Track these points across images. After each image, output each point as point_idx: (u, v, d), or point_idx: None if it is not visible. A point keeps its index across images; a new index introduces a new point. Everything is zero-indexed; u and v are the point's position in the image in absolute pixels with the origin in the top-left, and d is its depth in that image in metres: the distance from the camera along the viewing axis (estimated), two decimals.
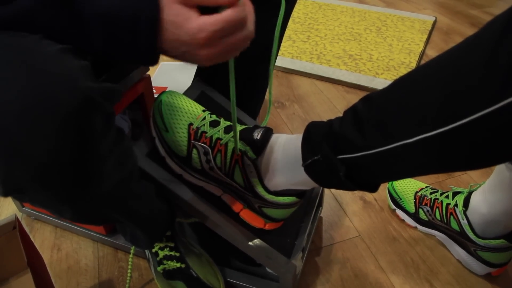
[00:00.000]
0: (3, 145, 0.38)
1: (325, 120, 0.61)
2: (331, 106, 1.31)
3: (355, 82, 1.42)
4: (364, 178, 0.58)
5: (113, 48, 0.46)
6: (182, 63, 1.35)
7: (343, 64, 1.53)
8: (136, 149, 0.71)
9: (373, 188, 0.60)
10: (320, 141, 0.58)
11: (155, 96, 1.18)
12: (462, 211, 0.84)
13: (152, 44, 0.45)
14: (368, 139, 0.52)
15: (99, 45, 0.46)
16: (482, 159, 0.48)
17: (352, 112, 0.55)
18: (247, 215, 0.72)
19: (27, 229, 0.73)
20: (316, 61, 1.55)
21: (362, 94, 1.39)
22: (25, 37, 0.43)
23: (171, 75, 1.28)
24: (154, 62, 0.48)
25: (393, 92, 0.51)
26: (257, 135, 0.66)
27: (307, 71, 1.49)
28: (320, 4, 2.13)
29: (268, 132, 0.67)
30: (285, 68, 1.52)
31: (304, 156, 0.60)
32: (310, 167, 0.59)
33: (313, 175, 0.60)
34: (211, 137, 0.68)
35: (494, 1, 2.33)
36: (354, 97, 1.36)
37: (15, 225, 0.74)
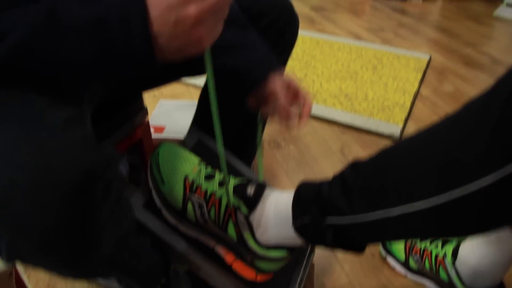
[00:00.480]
0: (8, 218, 0.40)
1: (316, 181, 0.63)
2: (327, 147, 1.33)
3: (350, 122, 1.45)
4: (352, 240, 0.60)
5: (107, 56, 0.46)
6: (180, 102, 1.37)
7: (339, 104, 1.57)
8: (134, 200, 0.74)
9: (360, 249, 0.62)
10: (309, 204, 0.60)
11: (153, 134, 1.20)
12: (451, 262, 0.85)
13: (146, 33, 0.46)
14: (354, 207, 0.54)
15: (93, 58, 0.46)
16: (465, 231, 0.50)
17: (340, 178, 0.57)
18: (239, 267, 0.73)
19: (21, 271, 0.75)
20: (313, 100, 1.59)
21: (357, 135, 1.41)
22: (30, 106, 0.44)
23: (169, 114, 1.31)
24: (151, 58, 0.48)
25: (379, 163, 0.54)
26: (250, 190, 0.69)
27: None
28: (318, 40, 2.18)
29: (260, 188, 0.69)
30: None
31: (294, 217, 0.62)
32: (299, 229, 0.62)
33: (303, 235, 0.62)
34: (206, 190, 0.70)
35: (487, 40, 2.39)
36: (349, 138, 1.39)
37: (11, 272, 0.75)
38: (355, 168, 0.56)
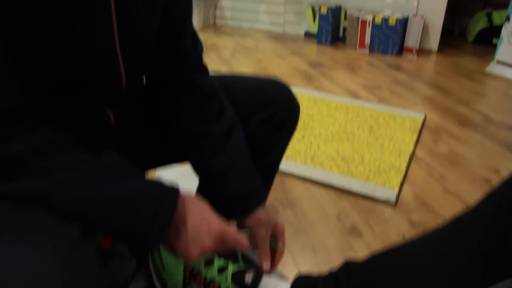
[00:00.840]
0: None
1: (312, 274, 0.66)
2: (323, 213, 1.36)
3: (347, 187, 1.49)
4: None
5: (119, 230, 0.52)
6: (181, 168, 1.40)
7: (336, 167, 1.61)
8: (135, 285, 0.76)
9: None
10: None
11: None
12: None
13: (162, 235, 0.53)
14: None
15: (106, 224, 0.51)
16: None
17: (334, 278, 0.60)
18: None
19: None
20: (310, 163, 1.63)
21: (353, 200, 1.45)
22: (39, 224, 0.45)
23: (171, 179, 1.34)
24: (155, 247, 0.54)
25: (369, 270, 0.57)
26: (248, 278, 0.71)
27: (301, 174, 1.56)
28: (316, 99, 2.25)
29: (258, 276, 0.72)
30: (280, 170, 1.59)
31: None
32: None
33: None
34: (205, 277, 0.73)
35: (479, 97, 2.46)
36: (345, 203, 1.42)
37: None
38: (347, 269, 0.59)
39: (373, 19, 3.23)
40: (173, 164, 0.90)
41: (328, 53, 3.31)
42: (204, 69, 0.78)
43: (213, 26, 4.25)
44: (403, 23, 3.16)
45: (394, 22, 3.15)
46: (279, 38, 3.78)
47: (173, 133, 0.78)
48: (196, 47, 0.77)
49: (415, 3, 3.32)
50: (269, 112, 0.83)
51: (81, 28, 0.54)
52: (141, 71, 0.68)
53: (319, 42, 3.53)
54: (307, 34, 3.78)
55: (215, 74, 0.85)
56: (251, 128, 0.81)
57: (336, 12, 3.45)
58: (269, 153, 0.88)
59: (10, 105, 0.47)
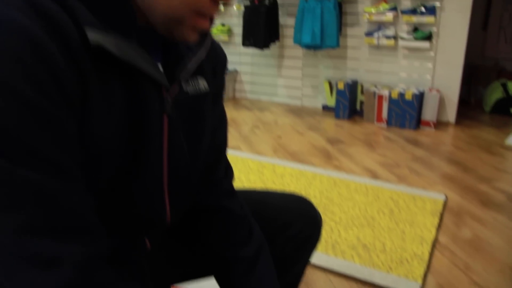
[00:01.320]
0: None
1: None
2: None
3: (368, 279, 1.47)
4: None
5: None
6: (208, 282, 1.41)
7: (357, 256, 1.60)
8: None
9: None
10: None
11: None
12: None
13: None
14: None
15: None
16: None
17: None
18: None
19: None
20: (331, 252, 1.63)
21: None
22: None
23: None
24: None
25: None
26: None
27: (322, 265, 1.55)
28: (335, 179, 2.28)
29: None
30: None
31: None
32: None
33: None
34: None
35: (501, 173, 2.45)
36: None
37: None
38: None
39: (390, 94, 3.31)
40: (201, 279, 0.93)
41: (346, 127, 3.37)
42: (234, 194, 0.82)
43: (233, 99, 4.41)
44: (419, 97, 3.23)
45: (410, 97, 3.22)
46: (297, 111, 3.88)
47: (202, 253, 0.81)
48: (227, 174, 0.82)
49: (429, 77, 3.41)
50: (293, 230, 0.86)
51: (137, 177, 0.59)
52: (184, 209, 0.73)
53: (337, 116, 3.61)
54: (325, 108, 3.88)
55: (240, 189, 0.89)
56: (276, 246, 0.84)
57: (352, 87, 3.56)
58: (294, 266, 0.90)
59: (104, 252, 0.50)
